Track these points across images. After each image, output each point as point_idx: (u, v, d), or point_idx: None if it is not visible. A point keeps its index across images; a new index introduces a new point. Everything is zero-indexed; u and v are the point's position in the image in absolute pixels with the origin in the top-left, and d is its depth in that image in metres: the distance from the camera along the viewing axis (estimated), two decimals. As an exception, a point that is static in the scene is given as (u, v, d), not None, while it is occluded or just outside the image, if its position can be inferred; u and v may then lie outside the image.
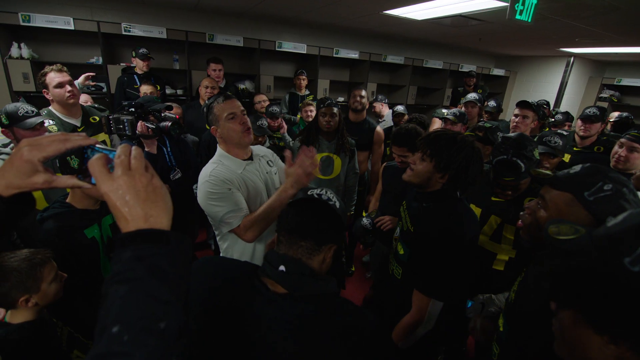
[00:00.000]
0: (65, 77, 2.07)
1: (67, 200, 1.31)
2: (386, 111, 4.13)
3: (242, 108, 1.45)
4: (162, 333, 0.41)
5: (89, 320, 1.27)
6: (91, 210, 1.33)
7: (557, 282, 0.59)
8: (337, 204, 0.81)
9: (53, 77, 2.04)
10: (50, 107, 2.14)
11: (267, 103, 3.43)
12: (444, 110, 3.48)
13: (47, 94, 2.07)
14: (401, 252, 1.40)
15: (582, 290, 0.54)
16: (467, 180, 1.23)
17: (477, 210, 1.65)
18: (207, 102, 1.45)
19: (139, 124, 1.59)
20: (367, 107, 2.90)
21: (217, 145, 1.51)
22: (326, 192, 0.83)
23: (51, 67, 2.07)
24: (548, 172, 1.03)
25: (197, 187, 2.83)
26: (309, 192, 0.82)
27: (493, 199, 1.61)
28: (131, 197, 0.48)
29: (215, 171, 1.39)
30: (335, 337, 0.67)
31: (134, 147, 0.52)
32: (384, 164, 2.30)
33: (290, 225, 0.76)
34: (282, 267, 0.71)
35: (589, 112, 2.55)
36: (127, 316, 0.41)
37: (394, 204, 2.07)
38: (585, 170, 0.90)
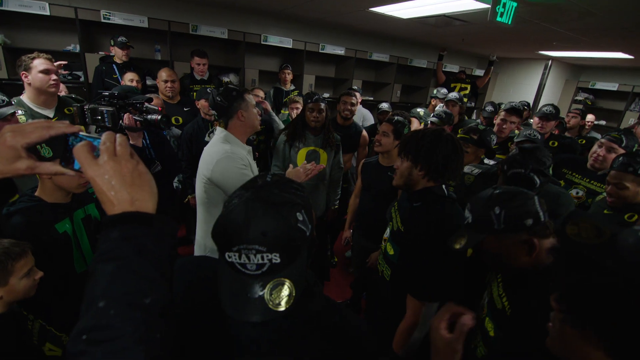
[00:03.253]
0: (54, 66, 2.02)
1: (36, 194, 1.25)
2: None
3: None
4: (147, 308, 0.43)
5: (61, 315, 1.24)
6: (62, 204, 1.28)
7: (574, 300, 0.53)
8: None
9: (41, 62, 1.96)
10: (20, 97, 2.03)
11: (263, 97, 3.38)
12: (420, 110, 3.55)
13: (26, 77, 1.96)
14: (391, 252, 1.41)
15: (604, 312, 0.49)
16: (439, 164, 1.25)
17: None
18: (237, 88, 1.65)
19: (125, 116, 1.54)
20: (355, 113, 2.92)
21: (219, 128, 1.68)
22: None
23: (40, 54, 1.99)
24: (462, 241, 1.05)
25: (178, 179, 2.81)
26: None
27: None
28: (117, 182, 0.49)
29: (232, 149, 1.59)
30: (316, 354, 0.64)
31: (118, 135, 0.54)
32: (363, 161, 2.33)
33: None
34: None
35: (546, 110, 2.67)
36: (113, 292, 0.43)
37: (373, 201, 2.10)
38: (474, 213, 1.02)
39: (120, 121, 1.53)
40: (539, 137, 2.21)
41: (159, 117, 1.58)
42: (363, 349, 0.69)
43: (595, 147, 2.12)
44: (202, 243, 1.68)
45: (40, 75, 1.95)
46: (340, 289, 2.95)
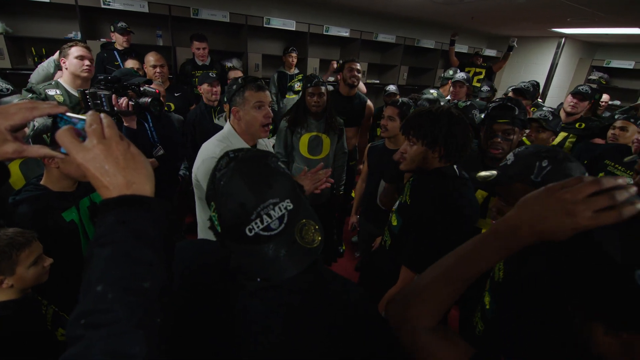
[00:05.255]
0: (88, 54, 2.22)
1: (42, 182, 1.26)
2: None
3: (270, 100, 1.51)
4: (145, 292, 0.42)
5: (72, 302, 1.26)
6: (68, 193, 1.28)
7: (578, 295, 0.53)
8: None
9: (77, 49, 2.17)
10: (59, 79, 2.24)
11: None
12: (432, 91, 3.47)
13: (64, 62, 2.18)
14: (394, 223, 1.43)
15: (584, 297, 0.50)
16: (459, 145, 1.23)
17: None
18: (237, 80, 1.47)
19: (122, 100, 1.51)
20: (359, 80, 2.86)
21: (228, 121, 1.55)
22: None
23: (79, 43, 2.22)
24: (489, 173, 1.05)
25: (184, 166, 2.78)
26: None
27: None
28: (110, 166, 0.47)
29: (224, 151, 1.43)
30: (323, 328, 0.64)
31: (103, 115, 0.51)
32: (369, 145, 2.28)
33: None
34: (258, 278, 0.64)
35: (581, 88, 2.59)
36: (110, 276, 0.42)
37: (379, 185, 2.08)
38: (520, 156, 0.95)
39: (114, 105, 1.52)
40: (550, 117, 2.14)
41: (149, 100, 1.54)
42: (371, 327, 0.68)
43: (635, 135, 2.01)
44: (204, 235, 1.66)
45: (75, 60, 2.16)
46: (346, 274, 2.96)
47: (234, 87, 1.47)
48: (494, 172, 1.02)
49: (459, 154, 1.26)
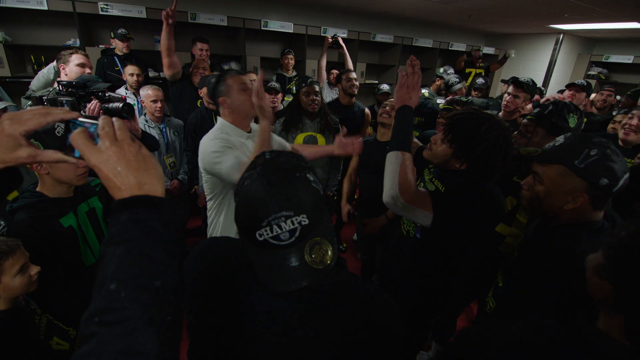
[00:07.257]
0: (88, 62, 2.27)
1: (38, 189, 1.25)
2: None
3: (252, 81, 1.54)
4: (157, 290, 0.43)
5: (69, 309, 1.26)
6: (65, 198, 1.28)
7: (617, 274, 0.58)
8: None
9: (78, 56, 2.22)
10: (56, 86, 2.22)
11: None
12: (424, 91, 3.51)
13: (64, 69, 2.22)
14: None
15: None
16: (487, 172, 1.15)
17: None
18: (214, 74, 1.48)
19: (94, 105, 1.49)
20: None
21: (219, 117, 1.56)
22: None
23: (78, 50, 2.27)
24: (534, 149, 1.07)
25: (184, 170, 2.78)
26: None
27: (515, 179, 1.51)
28: (123, 168, 0.49)
29: (220, 136, 1.47)
30: (343, 332, 0.63)
31: (115, 119, 0.52)
32: (360, 139, 2.28)
33: None
34: None
35: (577, 82, 2.74)
36: (123, 274, 0.43)
37: (374, 177, 2.06)
38: (570, 140, 0.97)
39: (82, 111, 1.50)
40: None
41: (120, 105, 1.52)
42: (392, 327, 0.67)
43: (625, 120, 1.95)
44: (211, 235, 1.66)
45: (76, 68, 2.19)
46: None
47: (213, 80, 1.49)
48: (539, 149, 1.04)
49: (481, 178, 1.17)
